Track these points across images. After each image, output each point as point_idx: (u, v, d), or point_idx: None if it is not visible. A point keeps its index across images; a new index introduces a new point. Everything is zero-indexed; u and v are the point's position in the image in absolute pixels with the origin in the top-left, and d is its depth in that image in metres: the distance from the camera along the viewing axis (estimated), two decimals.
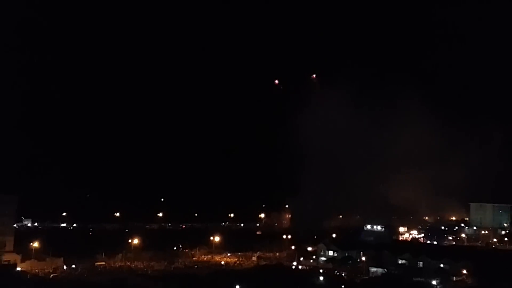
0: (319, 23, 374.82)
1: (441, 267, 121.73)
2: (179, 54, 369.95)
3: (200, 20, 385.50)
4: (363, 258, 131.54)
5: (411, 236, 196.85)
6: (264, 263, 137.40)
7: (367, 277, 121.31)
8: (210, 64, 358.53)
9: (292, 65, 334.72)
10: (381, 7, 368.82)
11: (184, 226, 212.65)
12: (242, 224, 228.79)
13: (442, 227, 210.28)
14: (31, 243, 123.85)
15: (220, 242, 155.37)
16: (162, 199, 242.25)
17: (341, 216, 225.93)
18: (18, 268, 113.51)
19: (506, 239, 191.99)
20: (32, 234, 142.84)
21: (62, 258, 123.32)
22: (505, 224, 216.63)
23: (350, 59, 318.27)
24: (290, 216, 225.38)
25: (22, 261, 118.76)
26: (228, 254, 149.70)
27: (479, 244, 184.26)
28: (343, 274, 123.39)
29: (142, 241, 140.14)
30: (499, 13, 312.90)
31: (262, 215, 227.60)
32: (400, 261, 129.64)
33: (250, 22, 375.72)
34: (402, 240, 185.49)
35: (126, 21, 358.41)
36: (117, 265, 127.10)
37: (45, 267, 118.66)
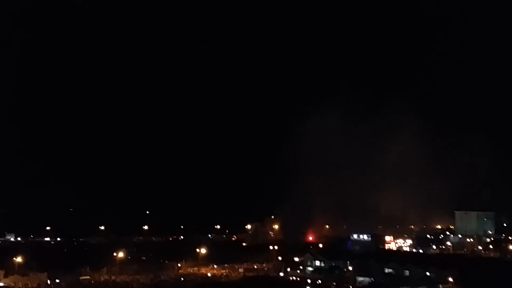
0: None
1: (427, 276, 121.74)
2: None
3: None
4: (350, 268, 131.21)
5: (397, 245, 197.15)
6: (251, 274, 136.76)
7: (354, 287, 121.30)
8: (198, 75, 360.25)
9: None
10: (372, 21, 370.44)
11: (170, 239, 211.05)
12: (228, 235, 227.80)
13: (428, 236, 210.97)
14: (15, 258, 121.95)
15: (206, 254, 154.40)
16: (147, 212, 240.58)
17: (327, 226, 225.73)
18: (1, 284, 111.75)
19: (491, 246, 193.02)
20: (16, 248, 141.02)
21: (46, 273, 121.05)
22: (490, 232, 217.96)
23: (339, 73, 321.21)
24: (278, 226, 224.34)
25: (5, 276, 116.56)
26: (215, 266, 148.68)
27: (465, 252, 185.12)
28: (330, 284, 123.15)
29: (127, 254, 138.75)
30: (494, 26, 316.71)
31: (249, 226, 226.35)
32: (386, 270, 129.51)
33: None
34: (388, 249, 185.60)
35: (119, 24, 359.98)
36: (102, 279, 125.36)
37: (28, 282, 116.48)
